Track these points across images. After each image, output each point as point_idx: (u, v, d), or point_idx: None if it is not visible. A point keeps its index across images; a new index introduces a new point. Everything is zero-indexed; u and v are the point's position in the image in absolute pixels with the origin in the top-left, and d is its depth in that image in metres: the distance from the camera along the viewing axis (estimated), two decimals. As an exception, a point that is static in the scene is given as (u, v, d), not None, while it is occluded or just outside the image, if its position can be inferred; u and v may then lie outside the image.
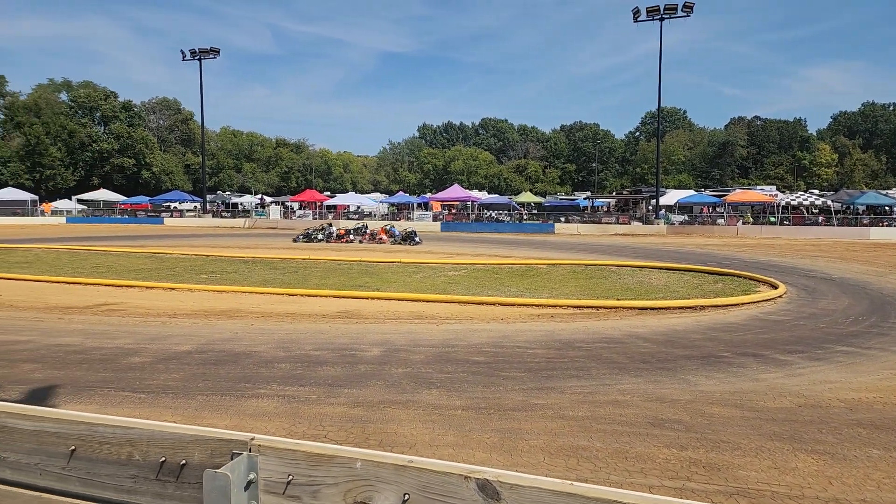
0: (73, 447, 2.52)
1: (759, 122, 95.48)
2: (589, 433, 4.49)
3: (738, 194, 48.15)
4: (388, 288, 12.21)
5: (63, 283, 13.33)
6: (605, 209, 54.74)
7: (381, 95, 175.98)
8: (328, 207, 58.56)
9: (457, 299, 10.74)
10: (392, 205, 58.11)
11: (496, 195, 69.77)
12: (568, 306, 10.20)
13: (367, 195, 71.68)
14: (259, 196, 66.28)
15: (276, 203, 61.10)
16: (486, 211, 53.37)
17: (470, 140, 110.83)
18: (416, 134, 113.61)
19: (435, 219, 49.86)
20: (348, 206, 58.90)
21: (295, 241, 29.25)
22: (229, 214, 57.05)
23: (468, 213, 52.31)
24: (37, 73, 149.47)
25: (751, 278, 14.07)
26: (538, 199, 61.78)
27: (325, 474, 2.22)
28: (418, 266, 16.90)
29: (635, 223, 43.89)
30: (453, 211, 54.09)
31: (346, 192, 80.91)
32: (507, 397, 5.35)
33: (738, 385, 5.78)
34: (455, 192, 54.44)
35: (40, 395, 5.34)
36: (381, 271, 15.54)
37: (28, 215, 53.29)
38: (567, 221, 45.32)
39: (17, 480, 2.64)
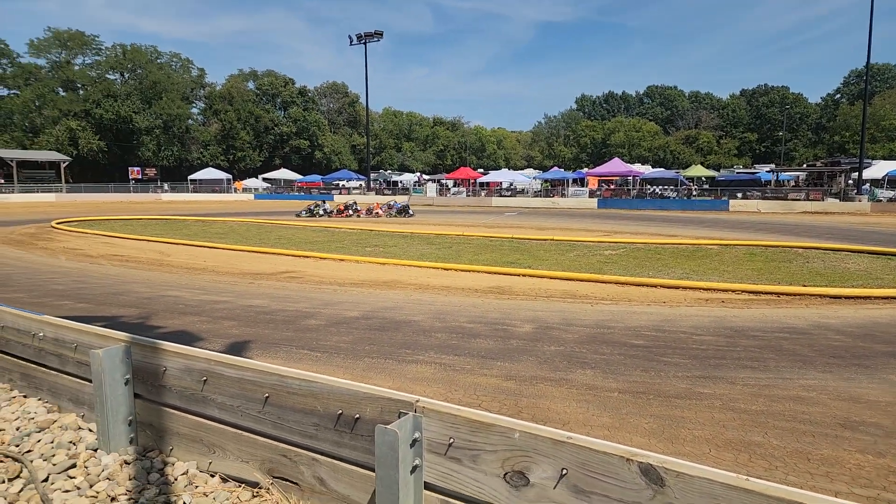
0: (267, 394, 2.87)
1: None
2: (763, 429, 4.10)
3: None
4: (540, 266, 12.12)
5: (252, 251, 15.12)
6: (793, 183, 48.83)
7: (536, 68, 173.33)
8: (481, 184, 59.37)
9: (613, 279, 10.34)
10: (546, 181, 57.20)
11: (661, 169, 65.49)
12: (742, 291, 9.33)
13: (519, 171, 71.39)
14: (418, 174, 69.15)
15: (433, 181, 63.33)
16: (649, 186, 50.23)
17: (633, 110, 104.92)
18: (574, 106, 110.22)
19: (591, 195, 48.19)
20: (501, 182, 59.16)
21: (298, 215, 31.04)
22: (390, 192, 60.35)
23: (629, 189, 49.69)
24: (229, 65, 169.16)
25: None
26: (710, 172, 56.94)
27: (484, 441, 2.29)
28: (572, 244, 16.54)
29: (830, 199, 38.63)
30: (612, 186, 51.75)
31: (499, 168, 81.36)
32: (669, 384, 5.06)
33: (959, 392, 4.89)
34: (614, 166, 51.87)
35: (238, 349, 6.16)
36: (532, 249, 15.47)
37: (224, 192, 61.06)
38: (745, 197, 41.16)
39: (223, 419, 3.07)
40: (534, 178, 60.18)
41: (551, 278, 10.75)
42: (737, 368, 5.47)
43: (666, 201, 43.39)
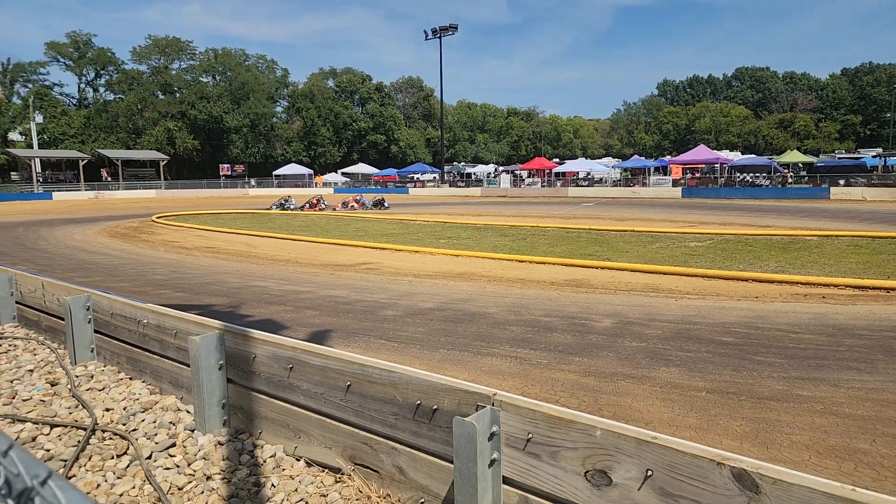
0: (349, 383, 2.95)
1: None
2: (871, 436, 3.78)
3: None
4: (619, 258, 11.76)
5: (332, 244, 15.61)
6: (904, 169, 44.56)
7: (615, 54, 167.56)
8: (557, 174, 58.29)
9: (700, 272, 9.86)
10: (625, 170, 55.30)
11: (752, 155, 61.66)
12: (846, 286, 8.64)
13: (597, 160, 69.45)
14: (494, 167, 68.86)
15: (507, 172, 62.85)
16: (738, 174, 47.27)
17: (720, 94, 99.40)
18: (655, 92, 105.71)
19: (675, 184, 46.08)
20: (577, 172, 57.82)
21: (269, 209, 31.28)
22: (463, 184, 60.50)
23: (716, 177, 47.12)
24: (311, 64, 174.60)
25: None
26: (808, 158, 53.00)
27: (563, 437, 2.24)
28: (654, 235, 15.92)
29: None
30: (697, 175, 49.27)
31: (576, 158, 79.54)
32: (763, 384, 4.76)
33: None
34: (700, 153, 49.30)
35: (320, 337, 6.38)
36: (611, 240, 15.02)
37: (305, 186, 63.39)
38: (847, 184, 37.99)
39: (307, 405, 3.19)
40: (612, 167, 58.33)
41: (632, 271, 10.40)
42: (840, 370, 5.07)
43: (758, 189, 40.78)
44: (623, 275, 10.13)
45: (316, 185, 64.80)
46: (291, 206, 32.33)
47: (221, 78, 76.63)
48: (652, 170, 52.72)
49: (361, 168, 71.40)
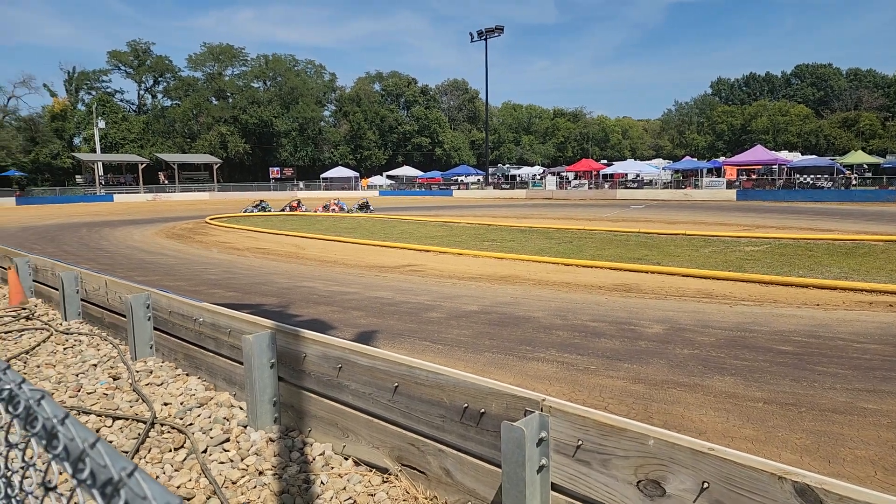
0: (396, 384, 2.98)
1: None
2: (943, 454, 3.56)
3: None
4: (670, 262, 11.46)
5: (377, 246, 15.80)
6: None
7: (667, 52, 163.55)
8: (604, 176, 57.32)
9: (756, 278, 9.51)
10: (676, 171, 53.93)
11: (813, 156, 59.06)
12: (912, 294, 8.18)
13: (646, 161, 67.95)
14: (540, 169, 68.28)
15: (552, 174, 62.22)
16: (797, 175, 45.37)
17: (778, 93, 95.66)
18: (709, 91, 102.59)
19: (729, 186, 44.59)
20: (626, 174, 56.70)
21: (245, 212, 31.13)
22: (508, 186, 60.23)
23: (773, 179, 45.36)
24: (358, 68, 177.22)
25: None
26: (874, 159, 50.52)
27: (615, 445, 2.20)
28: (707, 239, 15.45)
29: None
30: (753, 176, 47.50)
31: (624, 159, 78.00)
32: (824, 396, 4.55)
33: None
34: (756, 154, 47.50)
35: (366, 338, 6.46)
36: (662, 244, 14.66)
37: (351, 189, 64.45)
38: (916, 187, 36.02)
39: (356, 405, 3.24)
40: (663, 168, 56.92)
41: (683, 276, 10.12)
42: (909, 382, 4.80)
43: (819, 192, 39.02)
44: (674, 279, 9.87)
45: (361, 188, 65.76)
46: (269, 209, 32.51)
47: (272, 83, 78.80)
48: (705, 171, 51.20)
49: (406, 171, 72.04)
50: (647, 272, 10.56)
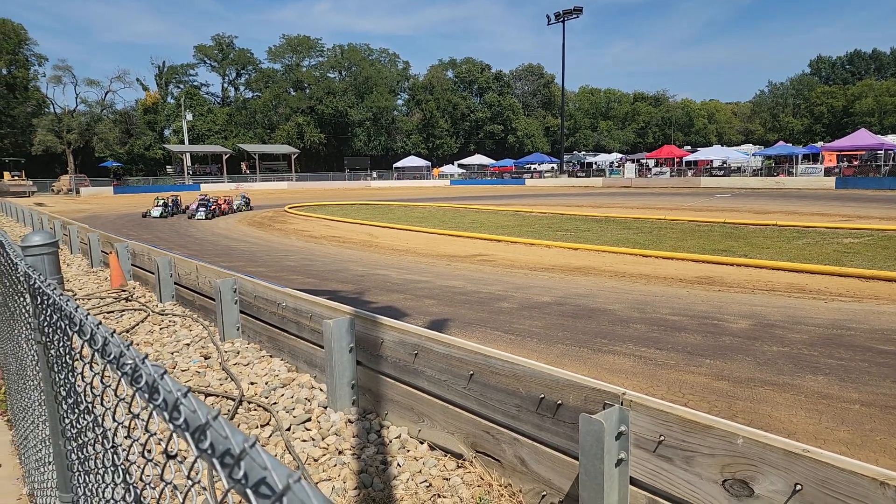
0: (471, 372, 3.01)
1: None
2: None
3: None
4: (758, 254, 10.86)
5: (448, 235, 15.91)
6: None
7: (760, 30, 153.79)
8: (688, 163, 54.85)
9: (855, 272, 8.85)
10: (768, 157, 50.68)
11: (924, 140, 53.92)
12: None
13: (734, 147, 64.35)
14: (618, 156, 66.26)
15: (631, 161, 60.21)
16: (907, 161, 41.54)
17: (886, 71, 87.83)
18: (807, 70, 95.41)
19: (827, 173, 41.46)
20: (711, 160, 53.98)
21: (144, 216, 24.88)
22: (584, 174, 58.86)
23: (878, 166, 41.70)
24: (431, 56, 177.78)
25: None
26: None
27: (700, 443, 2.13)
28: (800, 230, 14.52)
29: None
30: (855, 163, 43.89)
31: (710, 145, 74.28)
32: (931, 400, 4.20)
33: None
34: (859, 138, 43.66)
35: (439, 326, 6.55)
36: (749, 235, 13.91)
37: (423, 178, 65.09)
38: None
39: (431, 390, 3.30)
40: (753, 154, 53.72)
41: (773, 269, 9.56)
42: None
43: (930, 179, 35.67)
44: (762, 273, 9.35)
45: (433, 177, 66.25)
46: (180, 206, 26.38)
47: (347, 73, 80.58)
48: (800, 157, 47.82)
49: (478, 159, 71.87)
50: (732, 265, 10.06)
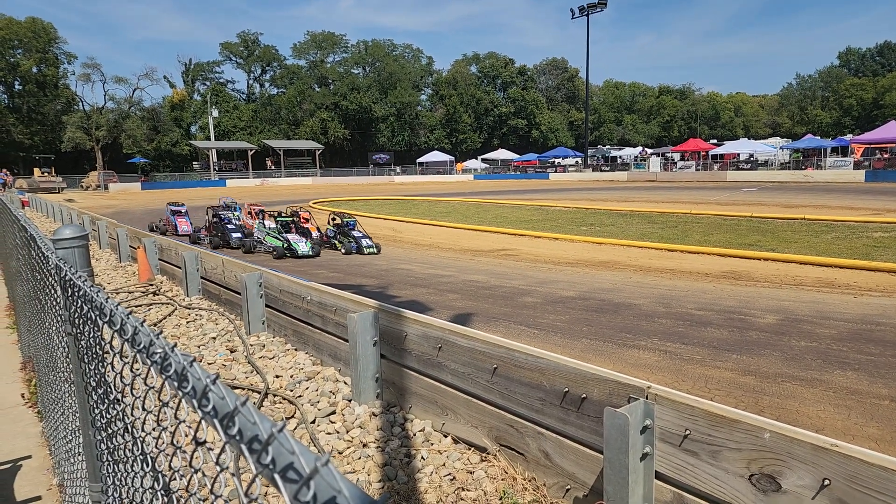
0: (495, 366, 3.01)
1: None
2: None
3: None
4: (786, 249, 10.64)
5: (471, 230, 15.89)
6: None
7: (788, 21, 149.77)
8: (714, 157, 53.87)
9: (886, 267, 8.62)
10: (796, 150, 49.57)
11: (956, 133, 52.22)
12: None
13: (762, 141, 62.95)
14: (643, 150, 65.32)
15: (656, 155, 59.34)
16: (937, 155, 40.38)
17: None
18: (836, 62, 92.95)
19: (857, 166, 40.47)
20: (738, 154, 52.92)
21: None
22: (608, 168, 58.22)
23: (908, 158, 40.64)
24: (455, 51, 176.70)
25: None
26: None
27: (726, 437, 2.10)
28: (829, 224, 14.18)
29: None
30: (886, 155, 42.72)
31: (737, 138, 72.80)
32: (967, 397, 4.09)
33: None
34: (890, 130, 42.43)
35: (462, 320, 6.56)
36: (777, 229, 13.63)
37: (446, 173, 65.03)
38: None
39: (454, 384, 3.31)
40: (780, 147, 52.55)
41: (801, 263, 9.36)
42: None
43: (964, 172, 34.58)
44: (790, 267, 9.17)
45: (456, 172, 66.16)
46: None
47: (371, 69, 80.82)
48: (829, 150, 46.69)
49: (501, 154, 71.50)
50: (759, 259, 9.88)
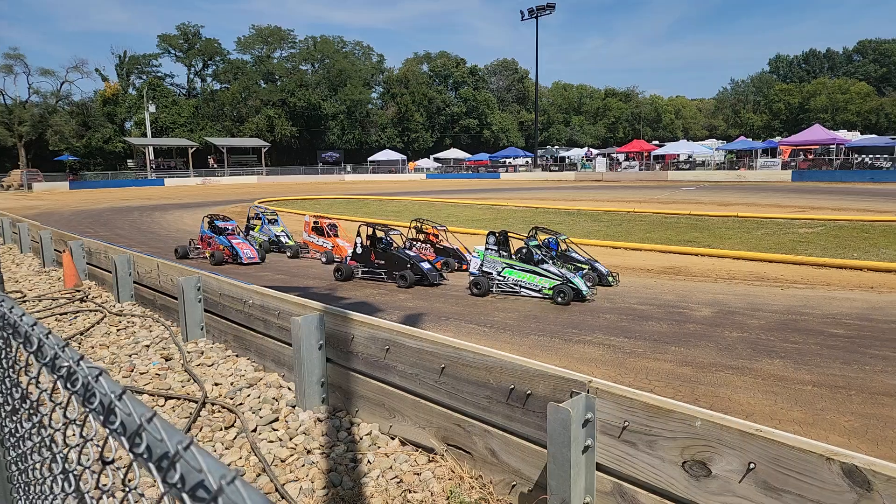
0: (443, 365, 3.00)
1: None
2: None
3: None
4: (721, 245, 11.11)
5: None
6: None
7: (725, 29, 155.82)
8: (656, 157, 55.75)
9: (809, 261, 9.13)
10: (730, 152, 51.95)
11: (873, 136, 55.83)
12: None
13: (699, 142, 65.58)
14: (590, 150, 66.78)
15: (602, 155, 60.88)
16: (856, 156, 43.13)
17: (839, 70, 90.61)
18: (767, 69, 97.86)
19: (784, 167, 42.78)
20: (678, 154, 54.94)
21: None
22: (557, 168, 59.27)
23: (830, 159, 43.28)
24: (407, 49, 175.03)
25: None
26: (939, 138, 47.30)
27: (662, 427, 2.17)
28: (760, 221, 14.89)
29: None
30: (810, 157, 45.42)
31: (677, 140, 75.51)
32: (875, 379, 4.38)
33: None
34: (814, 133, 45.35)
35: (413, 320, 6.53)
36: (713, 226, 14.22)
37: (398, 172, 64.71)
38: None
39: (402, 385, 3.28)
40: (716, 149, 54.87)
41: (734, 258, 9.80)
42: (978, 370, 4.54)
43: (878, 172, 37.10)
44: (725, 262, 9.58)
45: (408, 171, 65.92)
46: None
47: (320, 65, 79.37)
48: (759, 152, 49.16)
49: (453, 153, 71.63)
50: (697, 255, 10.28)
